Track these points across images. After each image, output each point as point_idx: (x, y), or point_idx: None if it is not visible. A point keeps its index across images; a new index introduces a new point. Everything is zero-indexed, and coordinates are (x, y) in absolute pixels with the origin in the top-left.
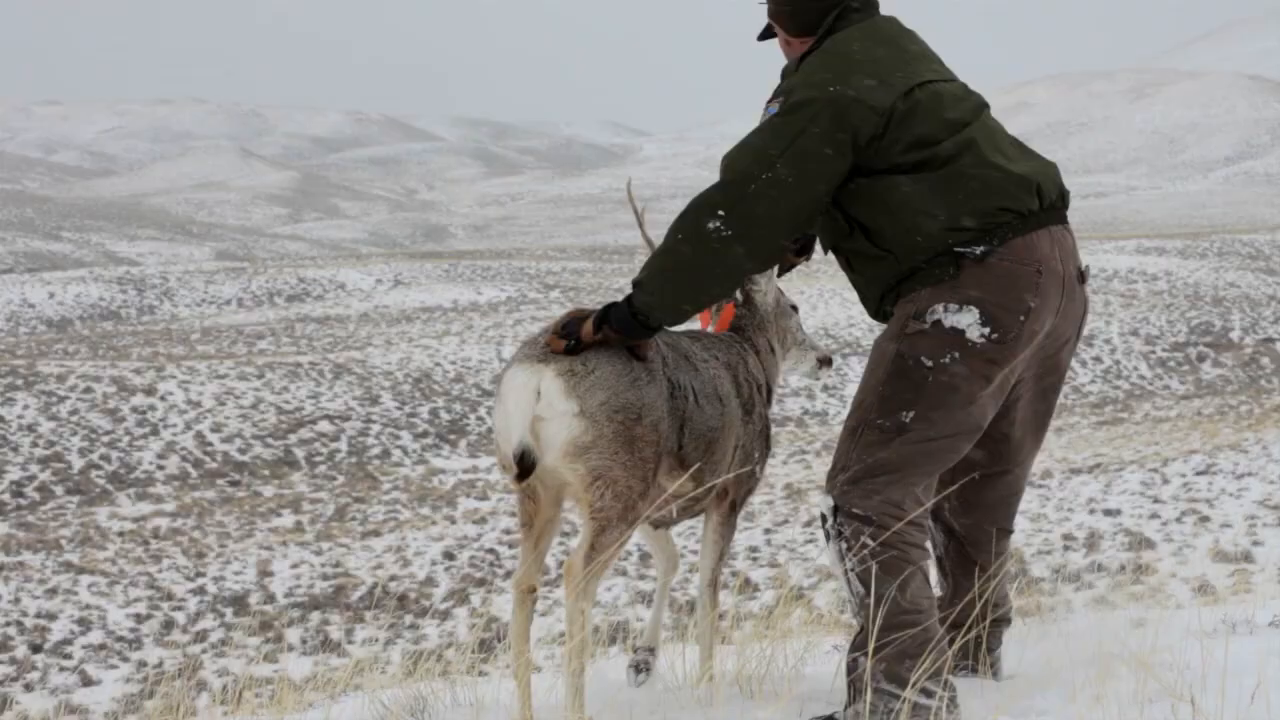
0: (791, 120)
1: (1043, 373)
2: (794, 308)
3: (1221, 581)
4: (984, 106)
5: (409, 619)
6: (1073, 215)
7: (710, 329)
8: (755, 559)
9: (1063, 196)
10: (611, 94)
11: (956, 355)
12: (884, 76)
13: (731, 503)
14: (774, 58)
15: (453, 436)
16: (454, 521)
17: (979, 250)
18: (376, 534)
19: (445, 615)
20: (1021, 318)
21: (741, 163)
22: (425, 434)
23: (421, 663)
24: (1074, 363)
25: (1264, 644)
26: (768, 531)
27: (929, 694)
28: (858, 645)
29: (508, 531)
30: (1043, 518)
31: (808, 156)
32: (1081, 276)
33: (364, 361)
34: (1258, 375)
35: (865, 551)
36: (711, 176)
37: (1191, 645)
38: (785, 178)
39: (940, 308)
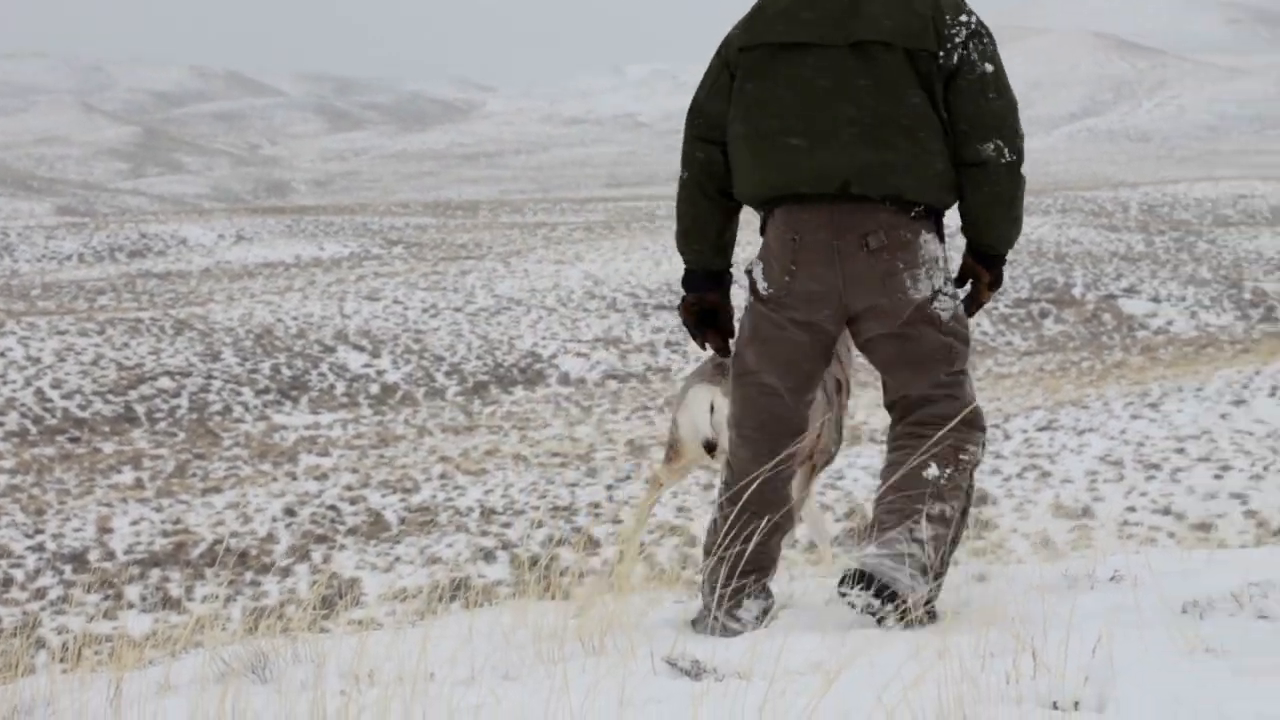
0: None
1: (880, 325)
2: None
3: (1062, 537)
4: None
5: (250, 576)
6: None
7: None
8: (598, 515)
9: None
10: (456, 49)
11: (750, 302)
12: None
13: (813, 466)
14: (621, 14)
15: (294, 393)
16: (295, 478)
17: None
18: (217, 490)
19: (286, 572)
20: (786, 278)
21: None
22: (267, 390)
23: (263, 619)
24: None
25: (1105, 599)
26: (610, 487)
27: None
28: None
29: (349, 488)
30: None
31: None
32: (864, 245)
33: (205, 317)
34: (1099, 332)
35: None
36: (556, 131)
37: (1033, 600)
38: None
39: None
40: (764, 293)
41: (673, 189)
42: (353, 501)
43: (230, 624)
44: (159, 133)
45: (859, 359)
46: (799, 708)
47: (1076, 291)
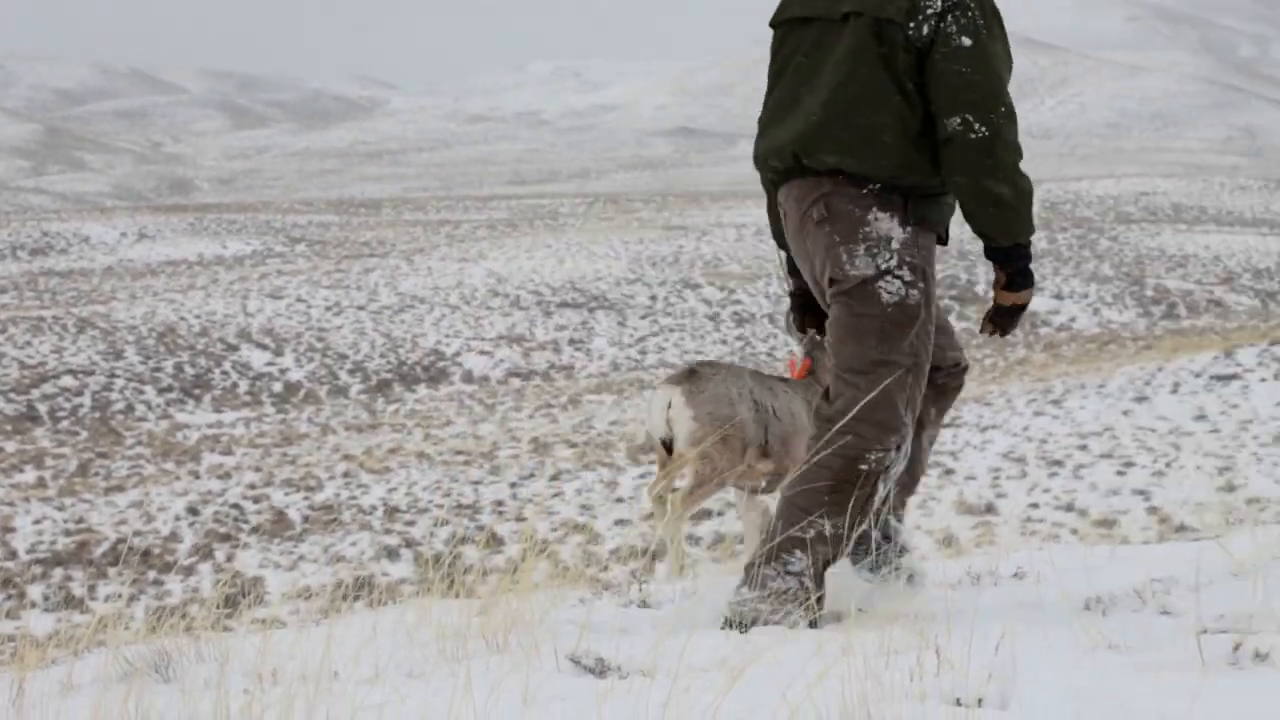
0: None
1: (827, 297)
2: None
3: (966, 534)
4: None
5: (153, 575)
6: None
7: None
8: (501, 513)
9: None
10: (359, 46)
11: None
12: None
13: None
14: (524, 11)
15: (197, 391)
16: (198, 476)
17: None
18: (120, 489)
19: (190, 570)
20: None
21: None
22: (170, 388)
23: (166, 618)
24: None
25: (1008, 595)
26: (514, 485)
27: None
28: None
29: (252, 487)
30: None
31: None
32: (820, 219)
33: (108, 316)
34: None
35: None
36: (459, 129)
37: (937, 597)
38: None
39: None
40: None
41: (575, 186)
42: (256, 500)
43: (133, 623)
44: (61, 130)
45: None
46: (703, 705)
47: (980, 289)
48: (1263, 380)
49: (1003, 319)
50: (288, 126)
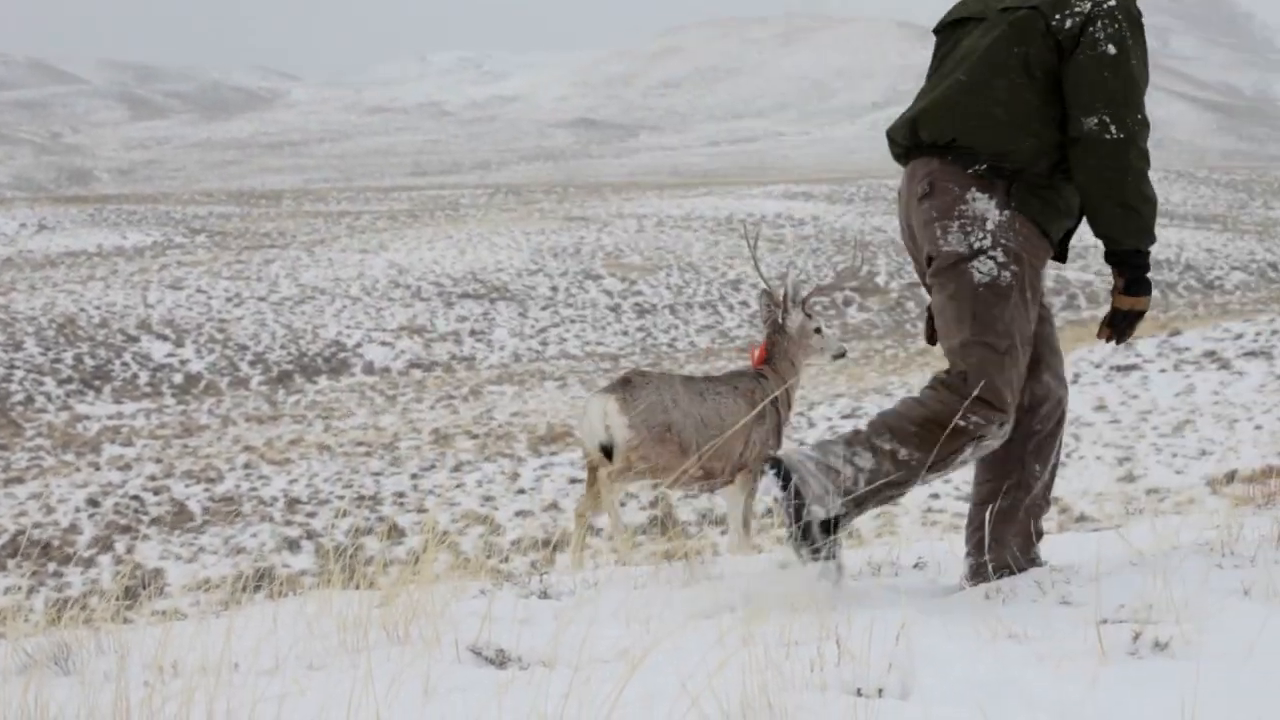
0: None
1: (927, 270)
2: (818, 330)
3: (867, 524)
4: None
5: (52, 566)
6: (721, 160)
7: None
8: (402, 504)
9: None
10: (259, 36)
11: None
12: None
13: (751, 473)
14: (422, 3)
15: (97, 382)
16: (98, 468)
17: None
18: (19, 481)
19: (89, 562)
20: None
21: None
22: (69, 380)
23: (65, 611)
24: (721, 307)
25: (908, 585)
26: (414, 477)
27: None
28: None
29: (153, 478)
30: None
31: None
32: (922, 196)
33: (7, 307)
34: (903, 320)
35: None
36: (360, 120)
37: (837, 587)
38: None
39: None
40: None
41: (477, 178)
42: (156, 492)
43: (32, 615)
44: None
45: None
46: (604, 695)
47: (880, 279)
48: (1162, 371)
49: (1120, 324)
50: (188, 117)
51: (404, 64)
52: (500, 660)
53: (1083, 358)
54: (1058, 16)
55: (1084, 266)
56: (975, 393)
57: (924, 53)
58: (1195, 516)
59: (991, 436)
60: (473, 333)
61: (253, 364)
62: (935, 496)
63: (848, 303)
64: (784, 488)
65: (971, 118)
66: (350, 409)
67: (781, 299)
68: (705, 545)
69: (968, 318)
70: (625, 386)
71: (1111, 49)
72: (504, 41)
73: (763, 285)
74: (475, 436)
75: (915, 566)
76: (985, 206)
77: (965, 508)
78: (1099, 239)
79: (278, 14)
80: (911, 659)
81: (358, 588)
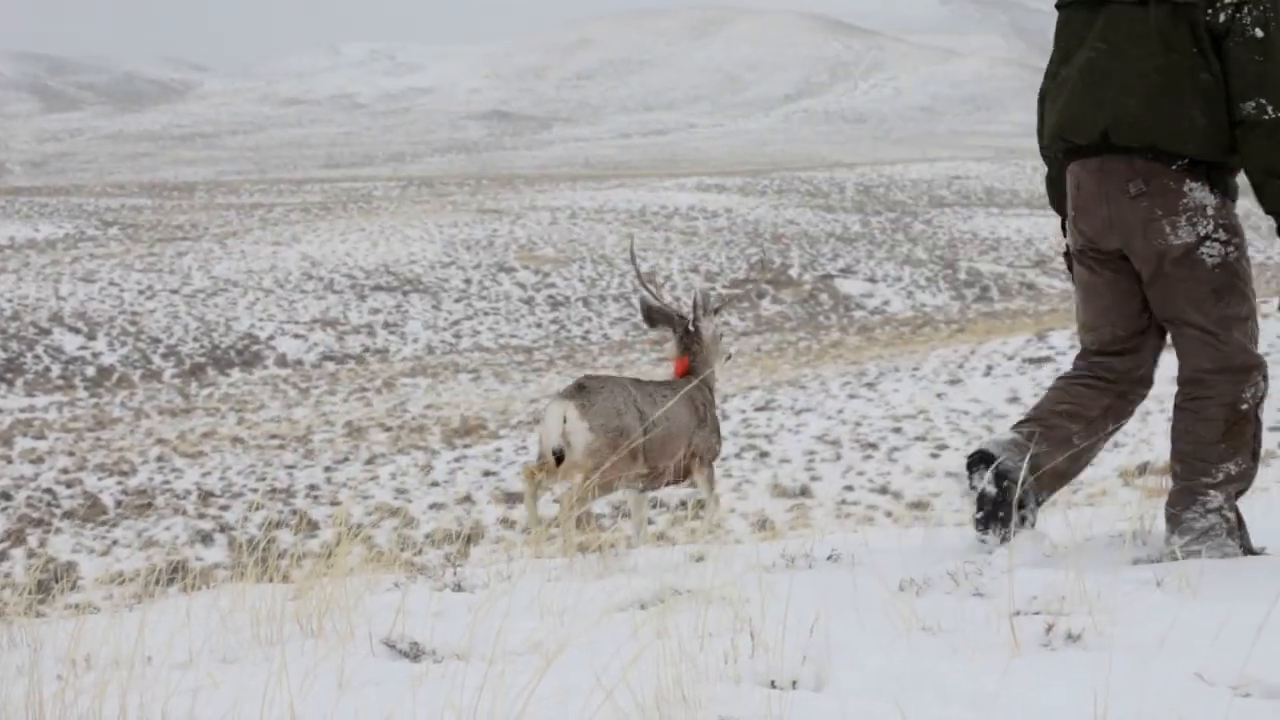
0: None
1: (1146, 268)
2: (720, 336)
3: (781, 516)
4: None
5: None
6: (634, 152)
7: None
8: (315, 497)
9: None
10: (171, 28)
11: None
12: None
13: (707, 463)
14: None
15: (9, 375)
16: (10, 461)
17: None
18: None
19: (2, 556)
20: (1071, 222)
21: None
22: None
23: None
24: (635, 300)
25: (823, 578)
26: (328, 469)
27: None
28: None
29: (65, 471)
30: None
31: None
32: (1126, 191)
33: None
34: (816, 312)
35: None
36: (272, 112)
37: (751, 580)
38: None
39: None
40: (1072, 248)
41: (390, 170)
42: (69, 485)
43: None
44: None
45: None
46: (518, 688)
47: (794, 272)
48: None
49: None
50: (100, 109)
51: (315, 55)
52: (414, 653)
53: (995, 350)
54: (1210, 10)
55: (997, 259)
56: (1229, 368)
57: (835, 44)
58: (1108, 508)
59: (1264, 390)
60: (386, 325)
61: (165, 356)
62: (849, 489)
63: (761, 295)
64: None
65: (1174, 125)
66: (263, 402)
67: (693, 308)
68: (619, 538)
69: (1209, 297)
70: (582, 392)
71: (1259, 31)
72: (415, 33)
73: (644, 302)
74: (389, 429)
75: (829, 559)
76: (1202, 195)
77: (879, 499)
78: (1268, 215)
79: (189, 5)
80: (826, 651)
81: (271, 581)
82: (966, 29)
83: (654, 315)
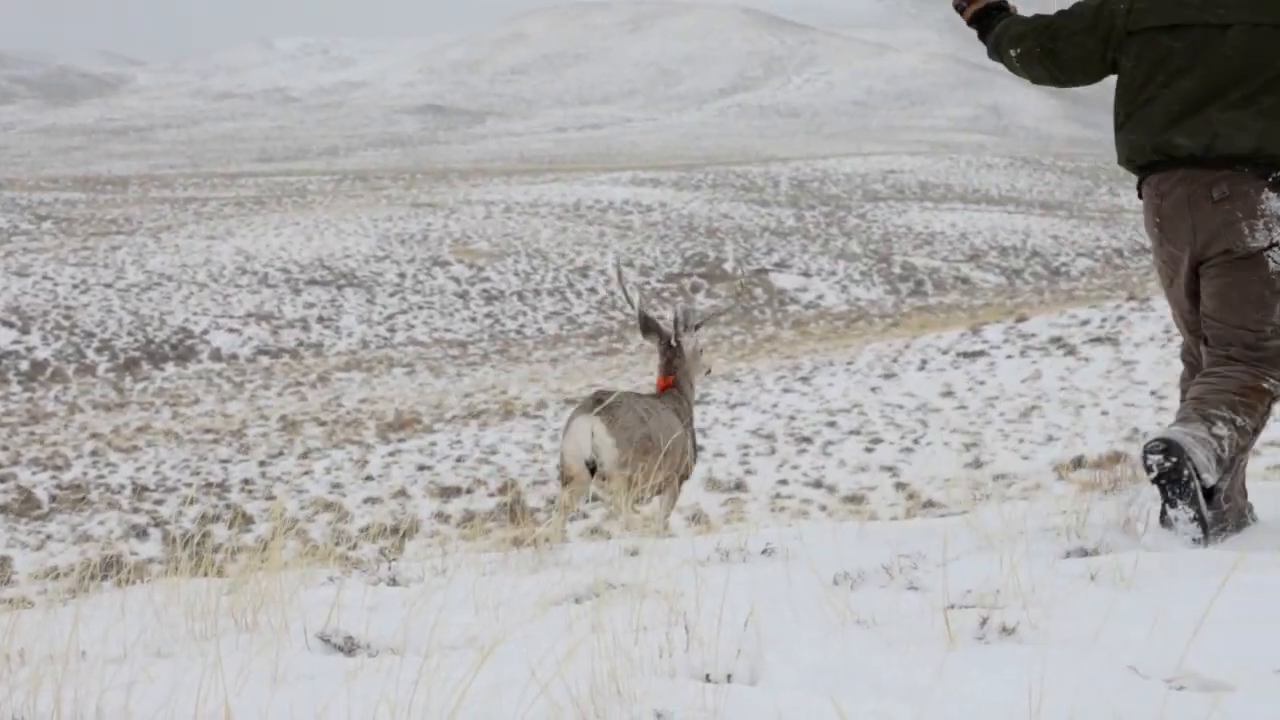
0: None
1: (1217, 262)
2: (701, 350)
3: (715, 510)
4: None
5: None
6: (569, 146)
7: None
8: (250, 492)
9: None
10: (104, 21)
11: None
12: None
13: (682, 476)
14: None
15: None
16: None
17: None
18: None
19: None
20: (1157, 222)
21: None
22: None
23: None
24: (569, 294)
25: (758, 571)
26: (262, 464)
27: None
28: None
29: None
30: (538, 448)
31: None
32: (1209, 197)
33: None
34: (751, 306)
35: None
36: (206, 106)
37: (686, 574)
38: None
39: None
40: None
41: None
42: (3, 479)
43: None
44: None
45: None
46: (453, 682)
47: (728, 266)
48: (1009, 357)
49: None
50: (33, 103)
51: (249, 50)
52: (349, 647)
53: (930, 344)
54: None
55: (931, 253)
56: (1267, 359)
57: (769, 39)
58: (1042, 502)
59: None
60: (320, 319)
61: (100, 351)
62: (784, 483)
63: (695, 289)
64: (1169, 460)
65: (1266, 138)
66: (198, 396)
67: (674, 325)
68: (554, 532)
69: (1267, 297)
70: (605, 407)
71: None
72: (349, 27)
73: (641, 314)
74: (323, 423)
75: (764, 552)
76: (1276, 205)
77: (814, 493)
78: None
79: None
80: (760, 645)
81: (206, 575)
82: (900, 23)
83: (649, 326)
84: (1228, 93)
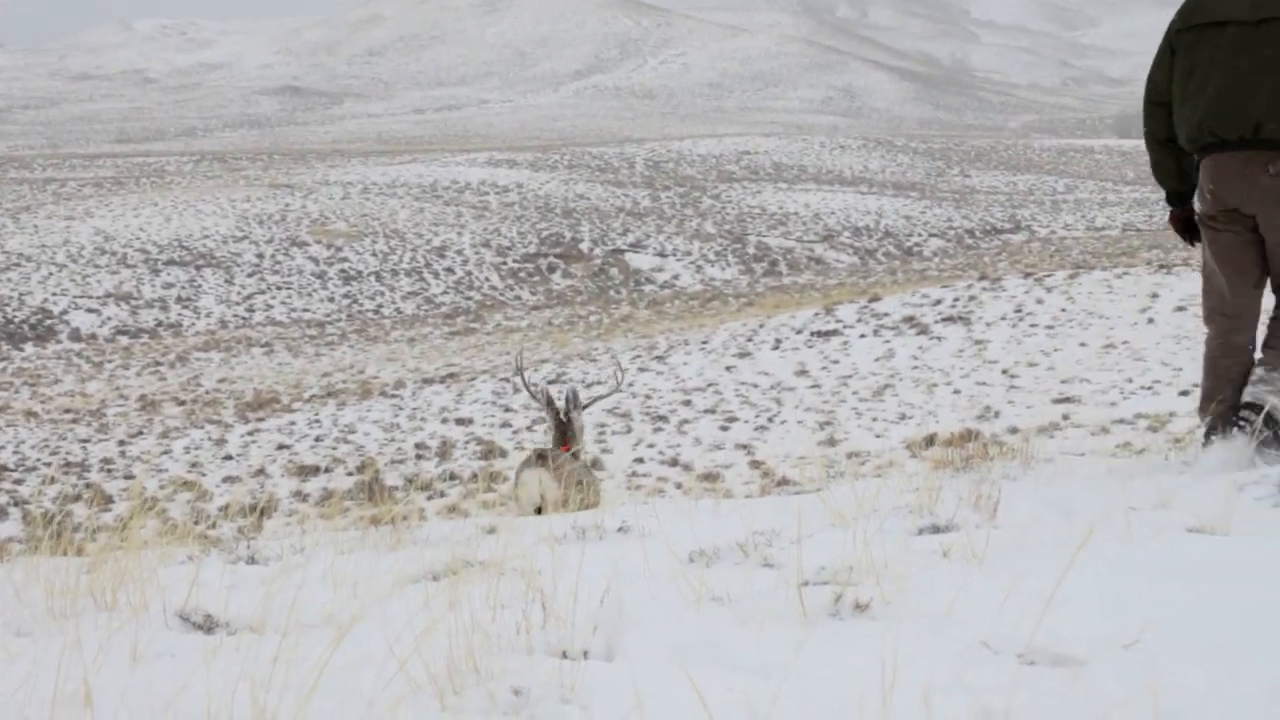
0: None
1: (1273, 227)
2: (583, 428)
3: None
4: None
5: None
6: (426, 127)
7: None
8: (110, 471)
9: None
10: None
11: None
12: None
13: (593, 505)
14: None
15: None
16: None
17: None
18: None
19: None
20: (1209, 197)
21: None
22: None
23: None
24: (426, 274)
25: (614, 549)
26: (122, 444)
27: None
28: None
29: None
30: (395, 427)
31: None
32: (1266, 171)
33: None
34: (607, 286)
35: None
36: (64, 87)
37: (543, 551)
38: None
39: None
40: (1201, 213)
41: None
42: None
43: None
44: None
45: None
46: (312, 660)
47: (584, 246)
48: (862, 336)
49: None
50: None
51: (107, 31)
52: (208, 625)
53: (784, 323)
54: None
55: (785, 234)
56: None
57: (625, 21)
58: (895, 479)
59: None
60: (179, 300)
61: None
62: (640, 461)
63: (552, 269)
64: (1266, 423)
65: None
66: (57, 376)
67: (566, 403)
68: (412, 510)
69: None
70: (547, 462)
71: None
72: (207, 8)
73: (544, 394)
74: (183, 403)
75: (620, 530)
76: None
77: (670, 471)
78: None
79: None
80: (617, 622)
81: (65, 554)
82: (754, 6)
83: (549, 404)
84: (1263, 84)
